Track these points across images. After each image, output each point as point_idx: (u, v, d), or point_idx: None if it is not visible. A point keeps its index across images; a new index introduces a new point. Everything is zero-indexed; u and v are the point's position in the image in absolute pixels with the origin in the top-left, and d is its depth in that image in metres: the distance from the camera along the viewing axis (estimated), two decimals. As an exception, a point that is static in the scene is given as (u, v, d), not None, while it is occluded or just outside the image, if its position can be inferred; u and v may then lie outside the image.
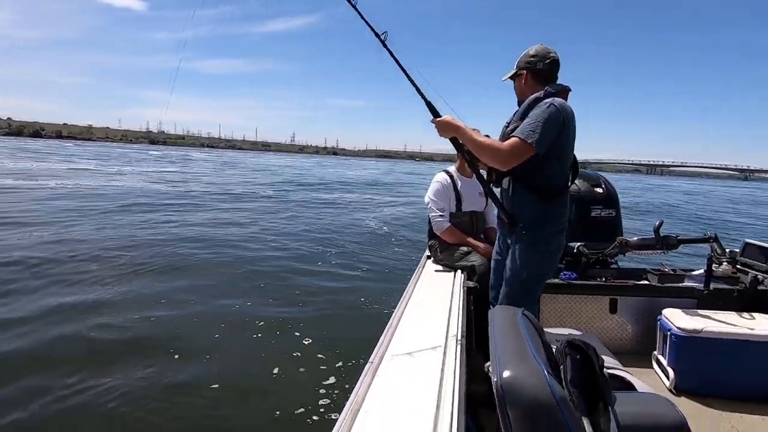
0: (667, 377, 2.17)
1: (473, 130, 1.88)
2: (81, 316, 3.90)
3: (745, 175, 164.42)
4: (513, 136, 1.72)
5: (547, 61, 1.84)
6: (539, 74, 1.84)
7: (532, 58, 1.85)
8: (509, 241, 1.91)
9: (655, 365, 2.34)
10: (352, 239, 8.30)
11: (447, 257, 2.49)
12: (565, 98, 1.81)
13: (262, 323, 3.97)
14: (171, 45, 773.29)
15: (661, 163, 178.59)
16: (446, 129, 1.87)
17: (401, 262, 6.60)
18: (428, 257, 2.66)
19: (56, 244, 6.34)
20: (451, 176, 2.69)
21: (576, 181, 2.75)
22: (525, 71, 1.86)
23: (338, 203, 14.70)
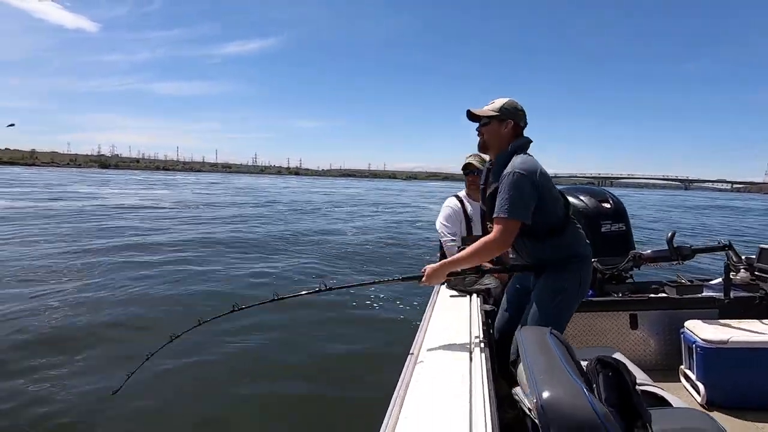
0: (698, 392, 2.08)
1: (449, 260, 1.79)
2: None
3: (686, 185, 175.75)
4: (495, 218, 1.70)
5: (525, 120, 1.85)
6: (519, 130, 1.84)
7: (519, 112, 1.83)
8: (532, 279, 1.88)
9: (683, 380, 2.25)
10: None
11: (460, 282, 2.40)
12: (527, 148, 1.82)
13: (262, 364, 3.63)
14: (126, 67, 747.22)
15: (611, 175, 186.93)
16: (437, 277, 1.75)
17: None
18: (442, 282, 2.63)
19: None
20: (461, 201, 2.67)
21: (583, 198, 2.73)
22: (512, 121, 1.81)
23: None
